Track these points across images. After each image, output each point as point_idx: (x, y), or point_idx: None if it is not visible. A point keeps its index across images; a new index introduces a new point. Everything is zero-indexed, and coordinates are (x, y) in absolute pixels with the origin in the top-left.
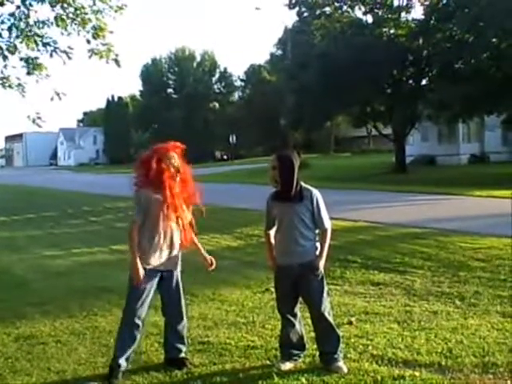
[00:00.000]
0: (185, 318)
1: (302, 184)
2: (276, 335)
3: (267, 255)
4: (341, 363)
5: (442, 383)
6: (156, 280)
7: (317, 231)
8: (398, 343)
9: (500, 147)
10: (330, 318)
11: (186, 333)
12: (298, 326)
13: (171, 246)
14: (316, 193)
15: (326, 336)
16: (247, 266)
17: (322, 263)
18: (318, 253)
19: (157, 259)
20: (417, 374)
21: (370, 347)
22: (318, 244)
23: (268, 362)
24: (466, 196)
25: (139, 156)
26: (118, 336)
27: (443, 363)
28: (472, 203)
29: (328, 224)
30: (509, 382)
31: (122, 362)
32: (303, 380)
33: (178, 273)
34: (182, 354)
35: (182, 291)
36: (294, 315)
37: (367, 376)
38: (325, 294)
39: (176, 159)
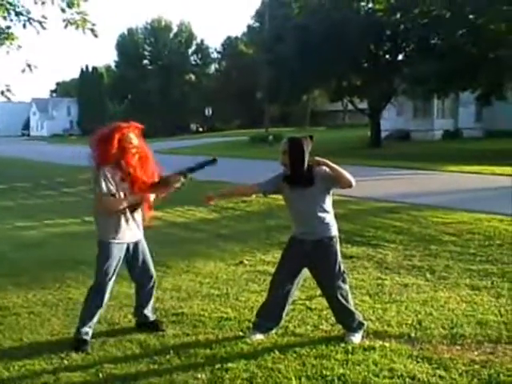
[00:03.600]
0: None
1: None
2: (249, 307)
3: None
4: (352, 335)
5: (410, 354)
6: (123, 252)
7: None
8: (369, 315)
9: (473, 123)
10: (343, 300)
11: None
12: (286, 303)
13: (135, 220)
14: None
15: (338, 311)
16: (222, 238)
17: (323, 161)
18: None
19: (123, 234)
20: (387, 344)
21: None
22: (333, 225)
23: (241, 334)
24: (439, 171)
25: (97, 133)
26: (85, 307)
27: (413, 335)
28: (445, 178)
29: (353, 179)
30: (475, 353)
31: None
32: (276, 351)
33: (143, 241)
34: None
35: (149, 256)
36: (288, 292)
37: (338, 347)
38: (337, 274)
39: (135, 139)
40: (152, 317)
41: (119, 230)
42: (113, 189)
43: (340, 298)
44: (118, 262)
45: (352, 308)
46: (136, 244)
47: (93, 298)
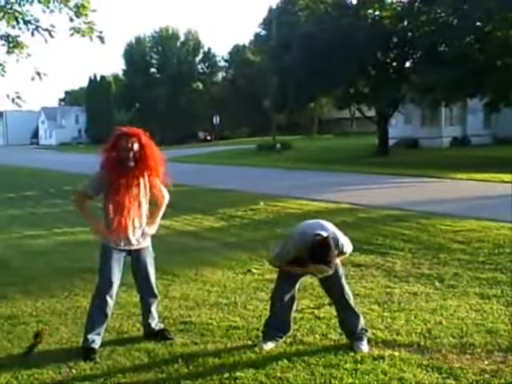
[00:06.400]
0: (157, 294)
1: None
2: (257, 316)
3: None
4: (360, 344)
5: (420, 363)
6: (124, 258)
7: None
8: (378, 324)
9: (481, 130)
10: (350, 300)
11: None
12: (291, 309)
13: (138, 227)
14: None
15: (345, 314)
16: (229, 247)
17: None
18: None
19: (123, 239)
20: (396, 353)
21: None
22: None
23: (250, 343)
24: (447, 179)
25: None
26: (90, 313)
27: (422, 343)
28: (453, 186)
29: (349, 248)
30: (486, 362)
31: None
32: (285, 360)
33: (147, 251)
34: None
35: (153, 269)
36: (292, 297)
37: (347, 356)
38: (340, 276)
39: (131, 143)
40: (156, 326)
41: (120, 235)
42: (90, 190)
43: (347, 297)
44: (119, 266)
45: (357, 310)
46: (138, 252)
47: (95, 303)
